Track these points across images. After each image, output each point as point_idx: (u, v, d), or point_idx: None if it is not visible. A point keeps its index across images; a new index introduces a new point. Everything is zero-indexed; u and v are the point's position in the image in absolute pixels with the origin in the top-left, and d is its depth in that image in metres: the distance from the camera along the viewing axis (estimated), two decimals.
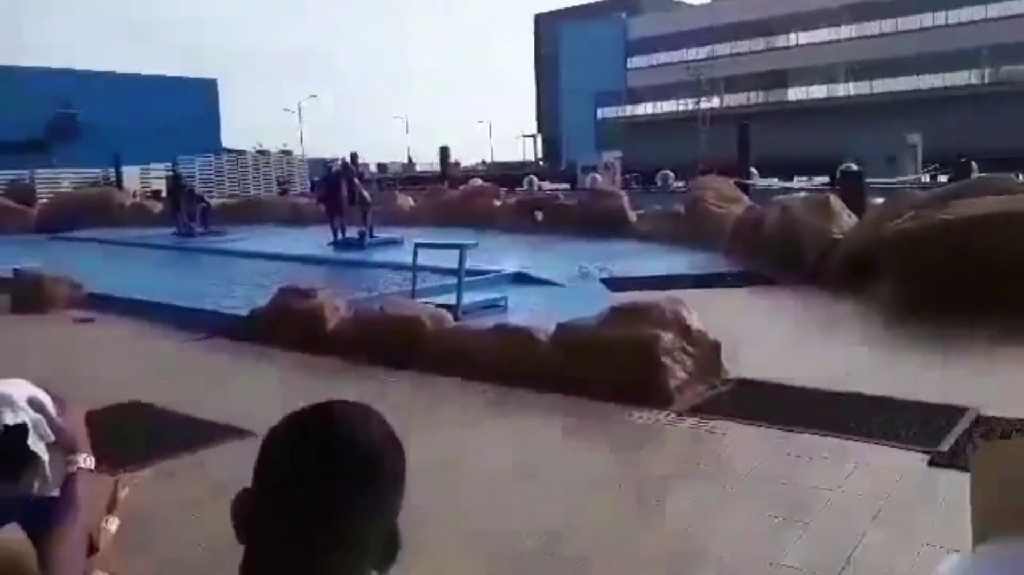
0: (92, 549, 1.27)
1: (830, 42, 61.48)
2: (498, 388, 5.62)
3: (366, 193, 17.41)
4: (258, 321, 7.63)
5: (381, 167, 68.07)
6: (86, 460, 1.34)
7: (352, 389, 5.38)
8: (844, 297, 8.40)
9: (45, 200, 27.99)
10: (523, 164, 74.15)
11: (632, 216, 16.36)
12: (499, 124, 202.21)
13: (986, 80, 52.28)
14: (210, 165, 40.90)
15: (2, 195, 27.84)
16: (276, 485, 0.86)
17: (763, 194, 18.32)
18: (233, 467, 3.52)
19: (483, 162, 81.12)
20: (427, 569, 2.91)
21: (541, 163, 79.03)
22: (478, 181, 26.30)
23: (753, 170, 24.07)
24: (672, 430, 4.89)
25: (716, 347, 5.75)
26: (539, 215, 18.03)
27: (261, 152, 47.97)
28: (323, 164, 27.28)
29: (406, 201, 22.03)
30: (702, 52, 67.69)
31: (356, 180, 16.98)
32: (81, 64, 72.42)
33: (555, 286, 10.53)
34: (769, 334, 7.16)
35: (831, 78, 60.25)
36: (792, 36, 63.97)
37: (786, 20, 63.26)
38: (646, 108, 69.91)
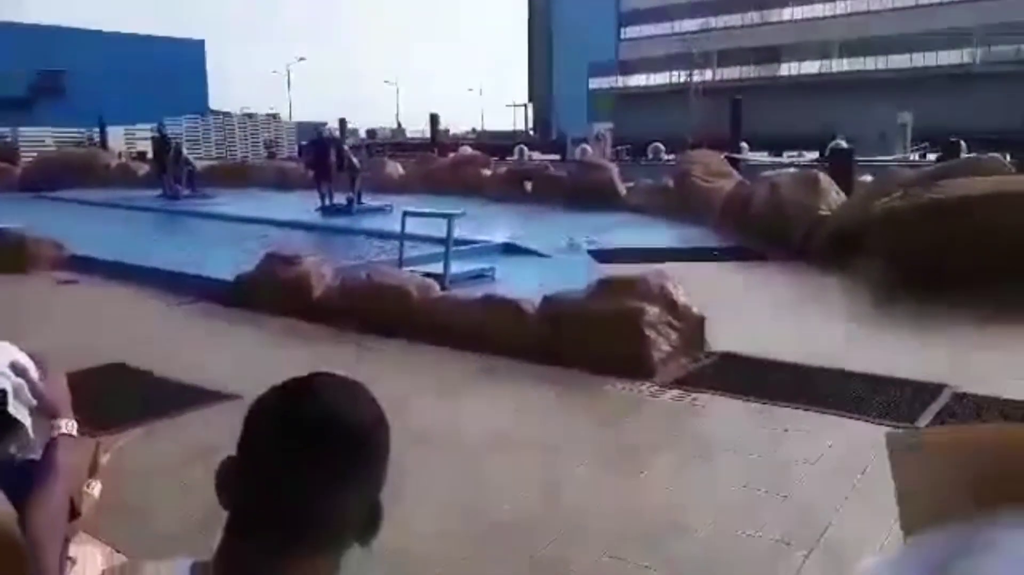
0: (74, 513, 1.27)
1: (824, 18, 61.12)
2: (484, 358, 5.64)
3: (355, 159, 17.27)
4: (245, 286, 7.61)
5: (371, 133, 67.37)
6: (68, 425, 1.34)
7: (337, 357, 5.39)
8: (831, 274, 8.45)
9: (29, 159, 27.59)
10: (514, 134, 73.62)
11: (622, 189, 16.30)
12: (490, 92, 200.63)
13: (977, 60, 52.25)
14: (196, 127, 40.42)
15: None
16: (261, 457, 0.87)
17: (753, 169, 18.27)
18: (219, 430, 3.53)
19: (473, 130, 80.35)
20: (406, 538, 2.94)
21: (532, 133, 78.52)
22: (468, 149, 26.09)
23: (744, 144, 24.01)
24: (654, 402, 4.94)
25: (701, 321, 5.80)
26: (528, 185, 17.91)
27: (248, 115, 47.34)
28: (314, 128, 26.99)
29: (395, 168, 21.84)
30: (695, 24, 67.20)
31: (344, 146, 16.79)
32: (66, 22, 70.77)
33: (543, 257, 10.54)
34: (755, 309, 7.19)
35: (824, 54, 59.99)
36: (786, 11, 63.54)
37: None
38: (638, 80, 69.47)
